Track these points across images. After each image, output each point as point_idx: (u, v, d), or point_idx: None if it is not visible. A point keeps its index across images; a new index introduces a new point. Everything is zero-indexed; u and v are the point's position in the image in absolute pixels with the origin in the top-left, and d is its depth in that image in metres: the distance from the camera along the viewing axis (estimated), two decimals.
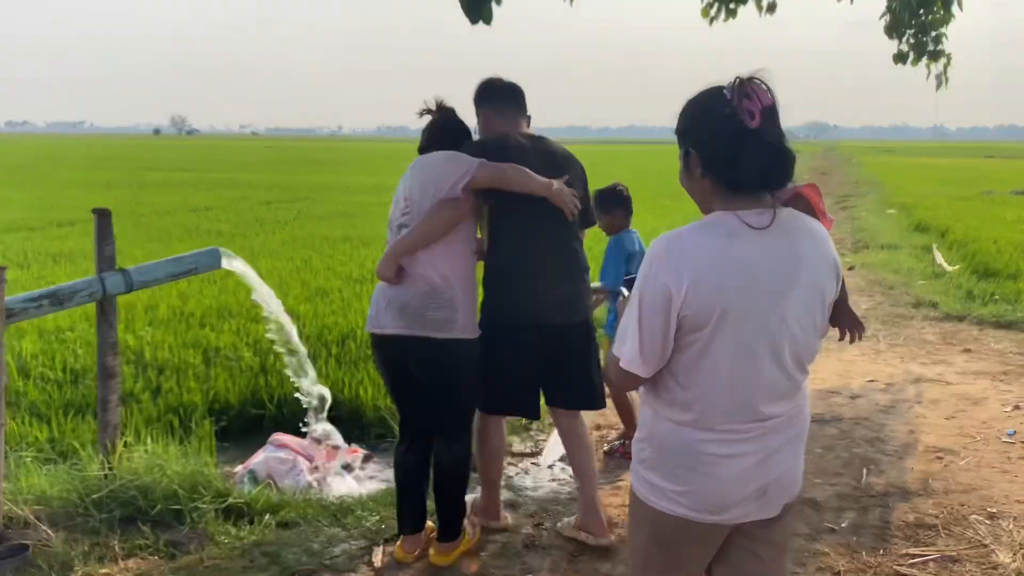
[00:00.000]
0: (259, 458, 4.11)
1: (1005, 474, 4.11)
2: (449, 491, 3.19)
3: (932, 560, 3.25)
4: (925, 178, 30.28)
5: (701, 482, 1.75)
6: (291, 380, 4.41)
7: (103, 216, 3.53)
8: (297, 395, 4.40)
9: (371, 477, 4.31)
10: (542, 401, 3.39)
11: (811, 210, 1.86)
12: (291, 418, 4.54)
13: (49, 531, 3.19)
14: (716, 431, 1.73)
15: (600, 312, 4.12)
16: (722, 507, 1.76)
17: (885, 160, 54.76)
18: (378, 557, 3.23)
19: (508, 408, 3.38)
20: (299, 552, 3.24)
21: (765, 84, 1.65)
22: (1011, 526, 3.51)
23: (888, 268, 10.27)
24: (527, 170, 3.04)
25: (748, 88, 1.63)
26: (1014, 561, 3.20)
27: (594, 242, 5.25)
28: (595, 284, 4.50)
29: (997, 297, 8.24)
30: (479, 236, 3.24)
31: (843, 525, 3.55)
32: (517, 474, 4.17)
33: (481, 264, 3.24)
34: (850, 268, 10.11)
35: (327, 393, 4.44)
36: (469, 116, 3.30)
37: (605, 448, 4.42)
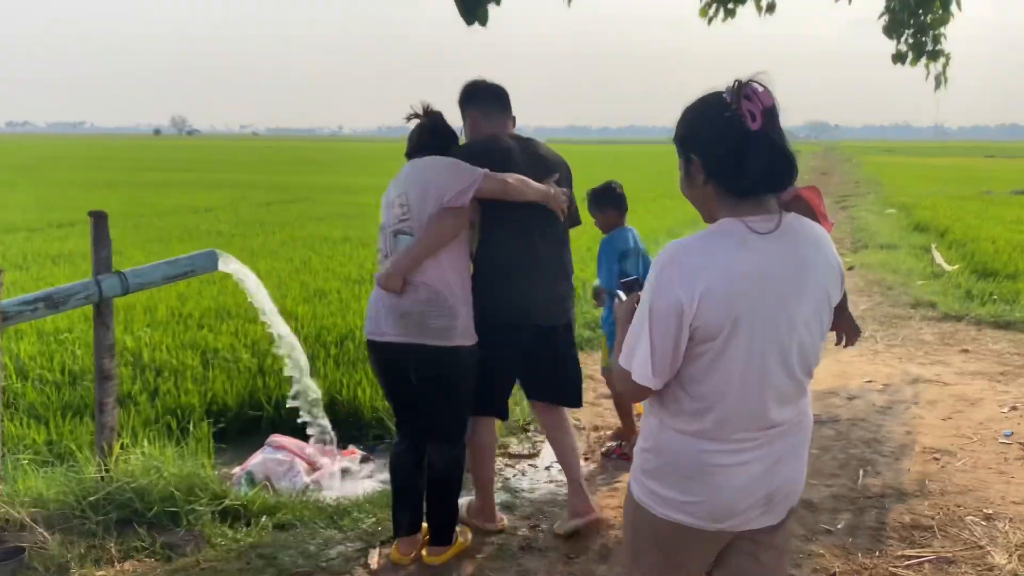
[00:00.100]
0: (257, 459, 4.12)
1: (1001, 475, 4.11)
2: (442, 494, 3.20)
3: (928, 561, 3.25)
4: (925, 178, 30.29)
5: (709, 492, 1.73)
6: (289, 391, 4.44)
7: (99, 219, 3.53)
8: (292, 401, 4.42)
9: (368, 478, 4.32)
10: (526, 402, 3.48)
11: (811, 212, 1.85)
12: (289, 420, 4.55)
13: (45, 533, 3.19)
14: (725, 441, 1.71)
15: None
16: (728, 515, 1.75)
17: (885, 160, 54.75)
18: (374, 559, 3.23)
19: (496, 409, 3.40)
20: (295, 554, 3.25)
21: (764, 86, 1.63)
22: (1007, 527, 3.51)
23: (887, 268, 10.26)
24: (526, 179, 3.08)
25: (748, 90, 1.62)
26: (1009, 563, 3.20)
27: (593, 241, 5.25)
28: (595, 284, 4.51)
29: (995, 297, 8.24)
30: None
31: (839, 526, 3.55)
32: (514, 476, 4.18)
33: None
34: (849, 268, 10.11)
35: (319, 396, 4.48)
36: (455, 119, 3.33)
37: (603, 450, 4.42)
